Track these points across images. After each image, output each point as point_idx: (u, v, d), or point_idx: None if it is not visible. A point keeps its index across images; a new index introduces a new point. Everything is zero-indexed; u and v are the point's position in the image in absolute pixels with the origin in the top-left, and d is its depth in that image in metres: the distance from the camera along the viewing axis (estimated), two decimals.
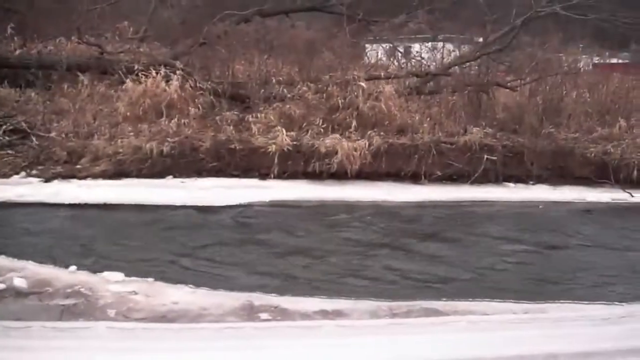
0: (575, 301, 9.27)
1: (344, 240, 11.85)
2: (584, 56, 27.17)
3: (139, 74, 17.68)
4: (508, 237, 12.43)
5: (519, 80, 20.29)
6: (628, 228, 13.64)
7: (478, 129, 17.23)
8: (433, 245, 11.73)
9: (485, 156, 16.31)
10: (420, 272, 10.34)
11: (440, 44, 23.68)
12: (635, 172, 16.69)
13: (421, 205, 14.41)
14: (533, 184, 16.49)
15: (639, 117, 20.59)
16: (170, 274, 9.58)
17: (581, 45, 27.42)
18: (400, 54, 23.35)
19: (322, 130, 16.65)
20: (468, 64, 20.66)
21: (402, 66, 21.79)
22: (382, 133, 16.64)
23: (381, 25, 24.39)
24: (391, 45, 24.03)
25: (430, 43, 23.75)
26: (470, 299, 9.12)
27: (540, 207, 14.93)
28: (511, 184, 16.41)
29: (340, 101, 17.36)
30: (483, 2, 22.27)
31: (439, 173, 16.14)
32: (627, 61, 34.91)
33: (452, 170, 16.28)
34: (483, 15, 21.72)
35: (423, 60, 21.81)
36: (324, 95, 17.88)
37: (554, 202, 15.30)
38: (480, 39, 22.16)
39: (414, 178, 16.06)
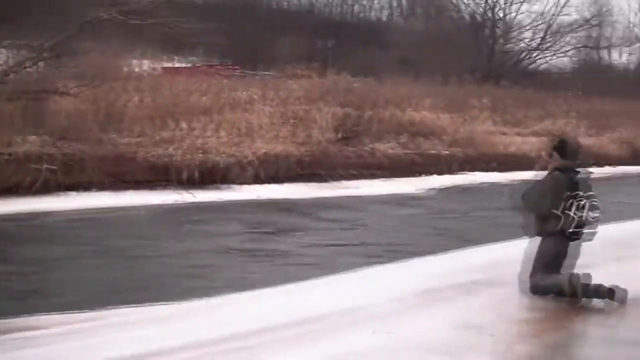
0: (141, 304, 9.36)
1: None
2: (148, 61, 27.75)
3: None
4: (69, 242, 12.29)
5: (81, 87, 19.99)
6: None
7: (37, 137, 16.84)
8: None
9: (45, 166, 15.99)
10: None
11: None
12: (196, 173, 17.34)
13: None
14: (96, 191, 16.43)
15: (200, 118, 21.43)
16: None
17: (149, 50, 27.98)
18: None
19: None
20: (26, 70, 20.04)
21: None
22: None
23: None
24: None
25: None
26: (28, 314, 8.82)
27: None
28: (73, 193, 16.23)
29: None
30: (44, 7, 21.76)
31: None
32: (192, 65, 36.40)
33: (10, 182, 15.69)
34: (43, 20, 21.18)
35: None
36: None
37: (118, 207, 15.40)
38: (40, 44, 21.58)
39: None
